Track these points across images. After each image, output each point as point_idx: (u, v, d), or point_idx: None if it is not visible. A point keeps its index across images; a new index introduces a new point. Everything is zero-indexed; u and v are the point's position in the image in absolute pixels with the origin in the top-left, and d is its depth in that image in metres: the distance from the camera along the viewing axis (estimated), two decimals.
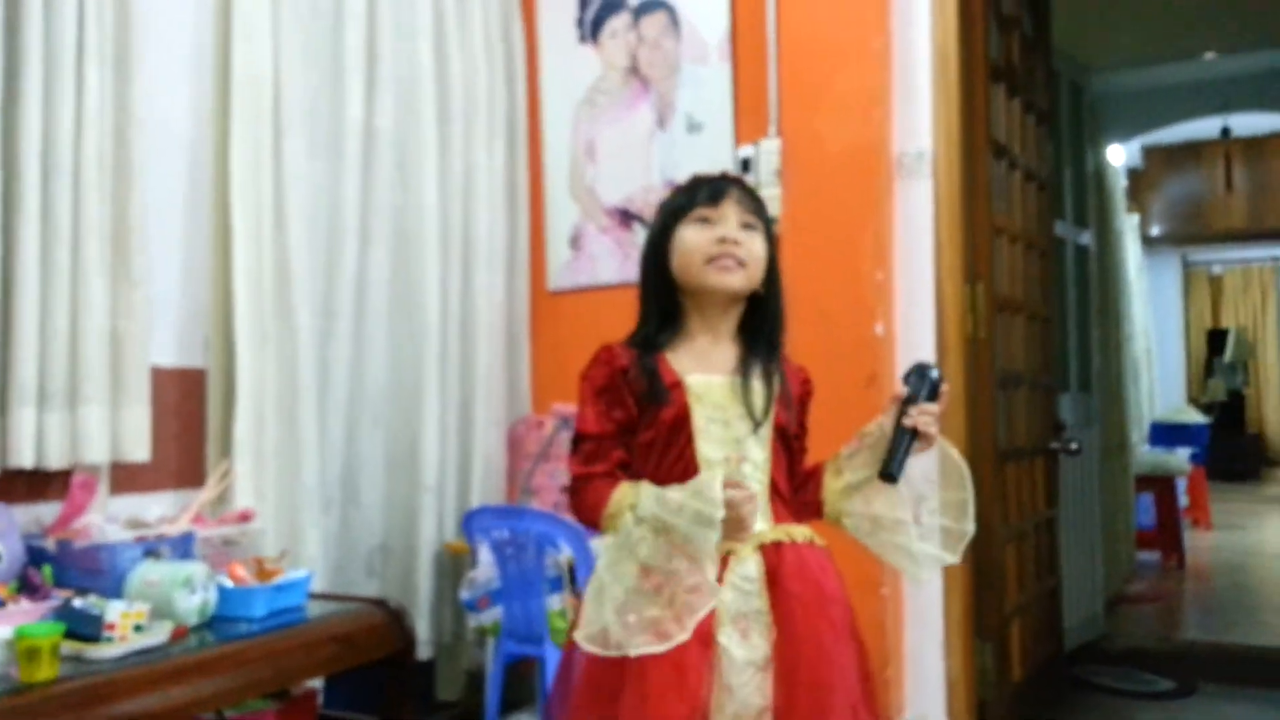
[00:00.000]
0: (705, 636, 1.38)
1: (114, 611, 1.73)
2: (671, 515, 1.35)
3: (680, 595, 1.32)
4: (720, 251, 1.50)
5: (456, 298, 3.12)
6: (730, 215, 1.52)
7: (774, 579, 1.44)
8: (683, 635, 1.31)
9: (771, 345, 1.57)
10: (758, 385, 1.51)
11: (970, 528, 1.56)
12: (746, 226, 1.53)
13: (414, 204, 3.01)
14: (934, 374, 1.51)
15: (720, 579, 1.40)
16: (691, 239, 1.52)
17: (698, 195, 1.55)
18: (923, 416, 1.48)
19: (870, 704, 1.47)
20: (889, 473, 1.47)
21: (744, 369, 1.52)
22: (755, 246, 1.53)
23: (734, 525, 1.35)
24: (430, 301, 3.00)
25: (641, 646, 1.31)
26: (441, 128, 3.09)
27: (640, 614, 1.32)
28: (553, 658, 2.55)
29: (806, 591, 1.44)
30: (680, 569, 1.32)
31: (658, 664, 1.35)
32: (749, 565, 1.44)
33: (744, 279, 1.52)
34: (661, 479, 1.44)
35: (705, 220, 1.52)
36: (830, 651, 1.43)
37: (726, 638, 1.41)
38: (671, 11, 3.20)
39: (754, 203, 1.56)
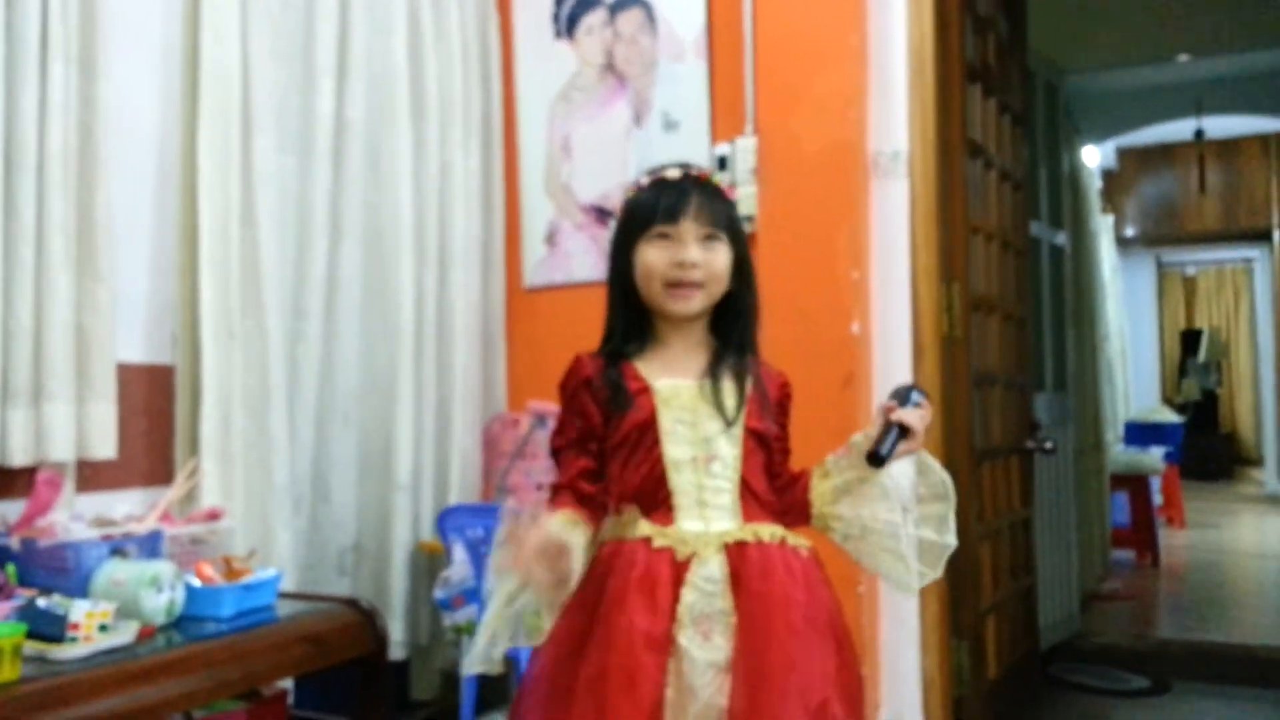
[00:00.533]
0: (662, 639, 1.39)
1: (79, 611, 1.70)
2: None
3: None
4: (677, 278, 1.48)
5: (431, 295, 3.10)
6: (688, 233, 1.49)
7: (737, 579, 1.41)
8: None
9: (743, 345, 1.56)
10: (728, 385, 1.50)
11: (952, 541, 1.55)
12: (708, 239, 1.50)
13: (388, 201, 2.99)
14: (916, 396, 1.51)
15: (682, 580, 1.41)
16: (651, 260, 1.50)
17: (657, 210, 1.50)
18: (912, 412, 1.48)
19: (852, 706, 1.43)
20: (878, 453, 1.46)
21: (713, 371, 1.51)
22: (716, 261, 1.51)
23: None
24: (404, 299, 2.98)
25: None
26: (415, 124, 3.07)
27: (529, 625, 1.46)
28: (528, 658, 2.54)
29: (770, 592, 1.41)
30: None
31: (611, 669, 1.37)
32: (711, 566, 1.42)
33: (703, 299, 1.51)
34: (629, 480, 1.48)
35: (664, 236, 1.50)
36: (790, 652, 1.39)
37: (687, 639, 1.39)
38: (648, 8, 3.19)
39: (715, 209, 1.51)
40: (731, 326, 1.55)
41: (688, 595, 1.40)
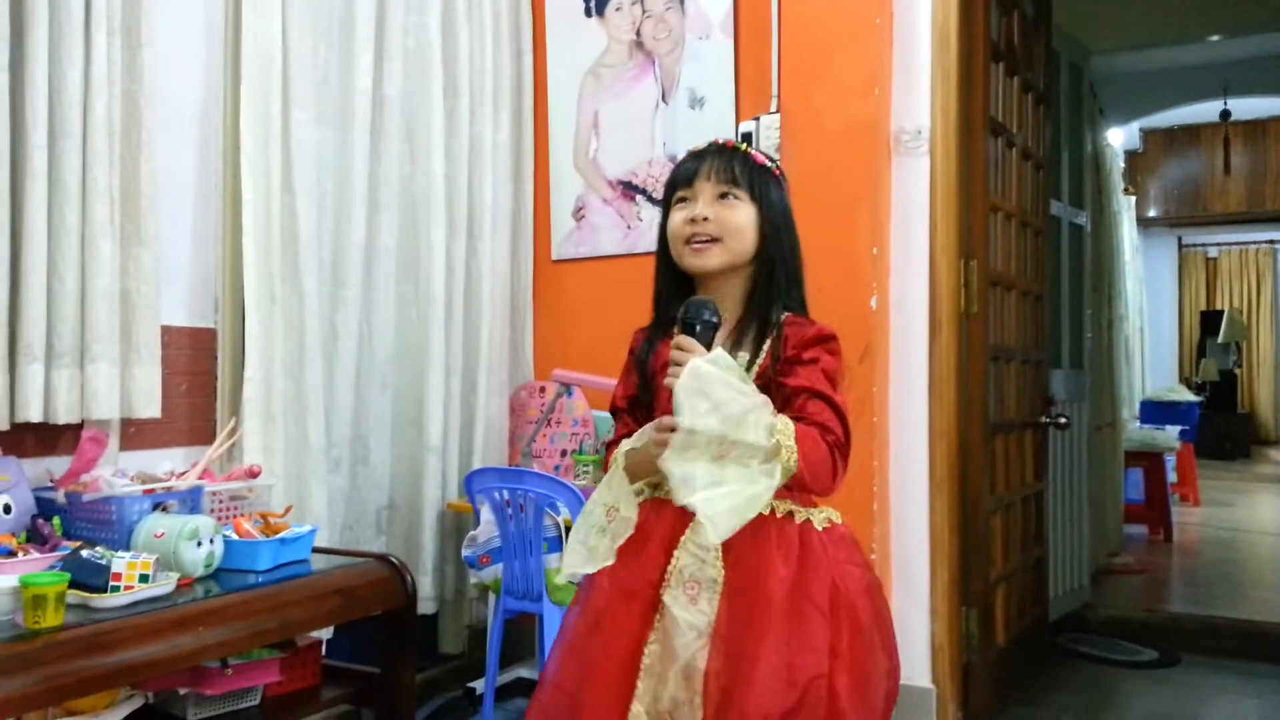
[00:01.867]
0: (639, 589, 1.45)
1: (120, 562, 1.76)
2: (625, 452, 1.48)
3: (613, 525, 1.43)
4: (691, 232, 1.52)
5: (462, 266, 3.18)
6: (703, 192, 1.53)
7: (729, 548, 1.42)
8: (606, 560, 1.42)
9: (769, 306, 1.54)
10: (748, 347, 1.52)
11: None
12: (723, 197, 1.53)
13: (421, 174, 3.07)
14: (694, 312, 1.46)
15: (677, 541, 1.46)
16: (674, 222, 1.56)
17: (678, 177, 1.57)
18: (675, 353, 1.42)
19: (860, 689, 1.42)
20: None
21: (737, 334, 1.53)
22: (731, 217, 1.52)
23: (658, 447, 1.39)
24: (436, 269, 3.06)
25: (573, 568, 1.45)
26: (449, 99, 3.14)
27: (587, 544, 1.45)
28: (550, 614, 2.63)
29: (754, 562, 1.42)
30: (618, 501, 1.44)
31: (588, 614, 1.48)
32: (704, 533, 1.39)
33: (722, 254, 1.52)
34: None
35: (684, 201, 1.55)
36: (768, 623, 1.39)
37: (672, 599, 1.43)
38: None
39: (735, 169, 1.53)
40: (763, 288, 1.55)
41: (681, 557, 1.45)
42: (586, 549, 1.44)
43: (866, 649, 1.45)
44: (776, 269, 1.55)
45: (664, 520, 1.48)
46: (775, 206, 1.56)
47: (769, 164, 1.59)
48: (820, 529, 1.49)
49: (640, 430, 1.47)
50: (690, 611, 1.42)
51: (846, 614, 1.44)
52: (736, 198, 1.53)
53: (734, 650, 1.39)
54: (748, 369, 1.48)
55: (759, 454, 1.34)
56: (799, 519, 1.47)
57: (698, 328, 1.43)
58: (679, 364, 1.38)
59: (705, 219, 1.51)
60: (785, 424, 1.38)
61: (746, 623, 1.40)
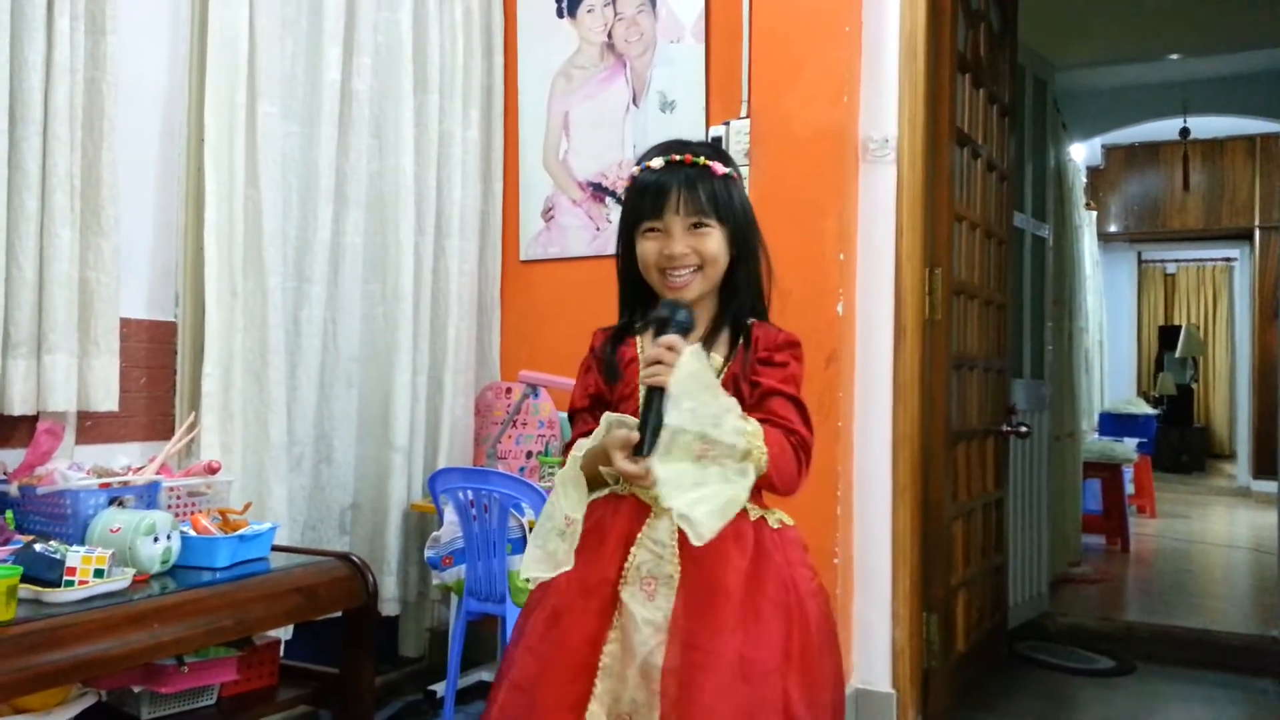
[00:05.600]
0: (597, 585, 1.45)
1: (75, 556, 1.74)
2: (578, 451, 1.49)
3: (570, 530, 1.44)
4: (669, 266, 1.52)
5: (429, 264, 3.16)
6: (675, 225, 1.51)
7: (684, 543, 1.41)
8: (565, 564, 1.42)
9: (739, 314, 1.56)
10: (718, 355, 1.53)
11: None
12: (695, 226, 1.52)
13: (390, 170, 3.04)
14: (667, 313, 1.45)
15: (634, 538, 1.46)
16: (645, 253, 1.55)
17: (644, 208, 1.54)
18: (654, 371, 1.39)
19: (811, 691, 1.43)
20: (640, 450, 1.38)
21: (706, 342, 1.53)
22: (707, 246, 1.52)
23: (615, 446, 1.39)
24: (404, 267, 3.04)
25: (530, 573, 1.45)
26: (419, 95, 3.12)
27: (545, 548, 1.44)
28: (513, 616, 2.61)
29: (707, 557, 1.41)
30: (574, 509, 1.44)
31: (546, 609, 1.48)
32: (660, 529, 1.45)
33: (702, 282, 1.53)
34: None
35: (654, 231, 1.53)
36: (721, 618, 1.40)
37: (629, 595, 1.44)
38: None
39: (701, 195, 1.52)
40: (732, 298, 1.58)
41: (638, 554, 1.46)
42: (545, 553, 1.45)
43: (815, 651, 1.47)
44: (745, 278, 1.57)
45: (621, 516, 1.49)
46: (740, 217, 1.57)
47: (726, 171, 1.57)
48: (774, 528, 1.51)
49: (596, 430, 1.47)
50: (648, 608, 1.43)
51: (798, 614, 1.46)
52: (709, 226, 1.53)
53: (690, 643, 1.39)
54: (719, 372, 1.50)
55: (735, 454, 1.36)
56: (754, 516, 1.49)
57: (672, 329, 1.43)
58: (665, 363, 1.37)
59: (684, 255, 1.52)
60: (755, 426, 1.40)
61: (702, 617, 1.41)
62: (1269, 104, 6.81)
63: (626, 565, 1.45)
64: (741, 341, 1.54)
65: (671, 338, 1.41)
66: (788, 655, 1.43)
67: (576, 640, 1.44)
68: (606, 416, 1.45)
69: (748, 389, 1.51)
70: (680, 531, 1.40)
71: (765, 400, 1.49)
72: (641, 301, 1.61)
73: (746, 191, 1.66)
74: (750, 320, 1.57)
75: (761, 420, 1.43)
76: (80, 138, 2.24)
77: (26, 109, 2.13)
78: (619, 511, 1.49)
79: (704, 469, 1.35)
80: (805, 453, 1.48)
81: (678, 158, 1.55)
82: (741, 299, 1.57)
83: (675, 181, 1.52)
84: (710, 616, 1.40)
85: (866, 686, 2.86)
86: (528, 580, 1.50)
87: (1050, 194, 4.66)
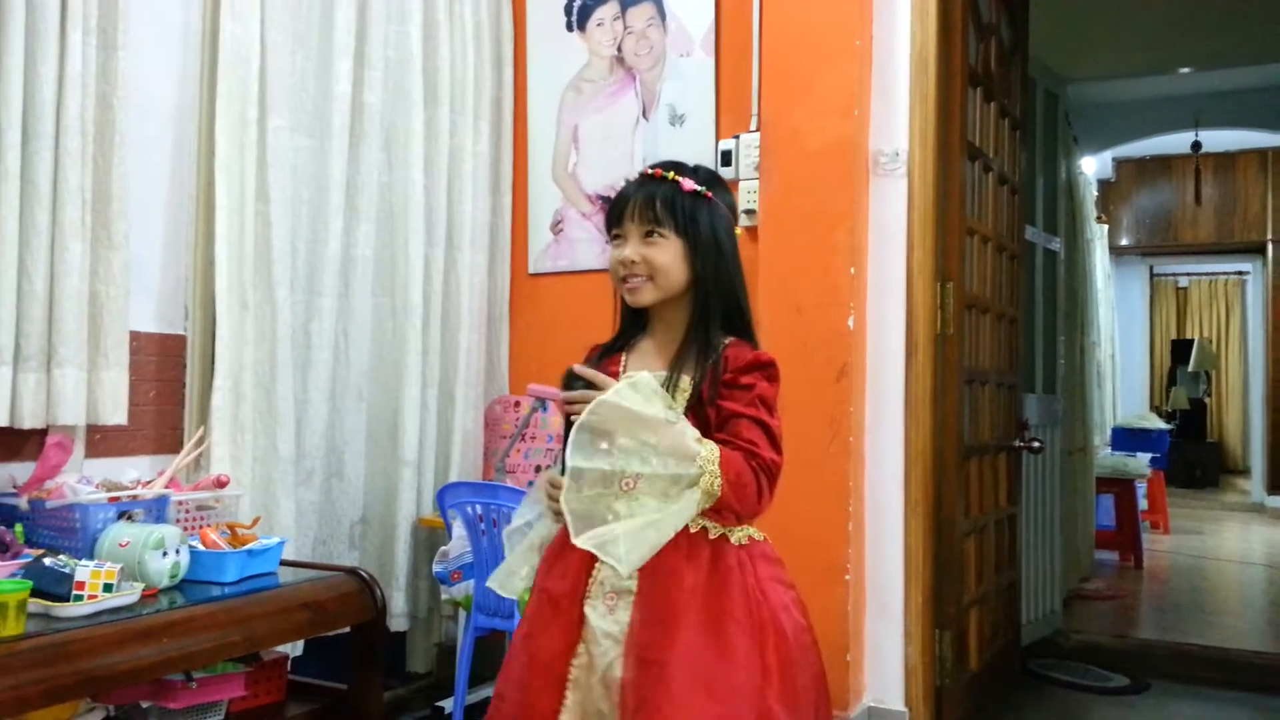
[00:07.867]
0: (563, 599, 1.50)
1: (84, 570, 1.74)
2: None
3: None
4: (624, 273, 1.56)
5: (439, 277, 3.16)
6: (630, 233, 1.56)
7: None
8: (525, 583, 1.57)
9: (708, 332, 1.56)
10: (683, 378, 1.53)
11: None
12: (649, 235, 1.54)
13: (400, 183, 3.05)
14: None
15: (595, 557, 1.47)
16: (610, 259, 1.60)
17: (611, 213, 1.60)
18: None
19: (791, 705, 1.45)
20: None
21: (676, 360, 1.55)
22: (657, 256, 1.54)
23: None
24: (414, 280, 3.04)
25: (493, 584, 1.60)
26: (429, 109, 3.12)
27: (510, 565, 1.61)
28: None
29: (659, 573, 1.44)
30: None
31: (522, 625, 1.54)
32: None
33: (653, 291, 1.56)
34: None
35: (618, 238, 1.58)
36: (673, 633, 1.42)
37: (591, 609, 1.49)
38: (659, 4, 3.25)
39: (656, 207, 1.54)
40: (704, 317, 1.57)
41: (602, 569, 1.49)
42: (506, 572, 1.56)
43: (792, 662, 1.48)
44: (711, 297, 1.57)
45: None
46: (704, 236, 1.56)
47: (699, 190, 1.57)
48: (738, 545, 1.51)
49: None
50: (607, 620, 1.47)
51: (772, 628, 1.47)
52: (661, 235, 1.55)
53: (645, 657, 1.42)
54: (690, 392, 1.51)
55: (679, 482, 1.39)
56: (714, 534, 1.50)
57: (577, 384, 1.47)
58: (582, 402, 1.41)
59: (633, 261, 1.55)
60: (710, 451, 1.42)
61: (657, 630, 1.43)
62: None
63: (590, 580, 1.50)
64: (711, 363, 1.53)
65: (573, 394, 1.46)
66: (766, 671, 1.45)
67: (546, 652, 1.49)
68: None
69: (712, 412, 1.51)
70: None
71: (729, 423, 1.50)
72: (631, 316, 1.64)
73: (736, 218, 1.68)
74: (728, 340, 1.56)
75: (724, 442, 1.45)
76: (92, 152, 2.24)
77: (39, 123, 2.14)
78: None
79: (631, 501, 1.38)
80: (768, 475, 1.47)
81: (650, 172, 1.60)
82: (713, 319, 1.57)
83: (635, 192, 1.57)
84: (665, 630, 1.43)
85: (879, 704, 2.83)
86: (527, 592, 1.56)
87: (1062, 207, 4.65)
